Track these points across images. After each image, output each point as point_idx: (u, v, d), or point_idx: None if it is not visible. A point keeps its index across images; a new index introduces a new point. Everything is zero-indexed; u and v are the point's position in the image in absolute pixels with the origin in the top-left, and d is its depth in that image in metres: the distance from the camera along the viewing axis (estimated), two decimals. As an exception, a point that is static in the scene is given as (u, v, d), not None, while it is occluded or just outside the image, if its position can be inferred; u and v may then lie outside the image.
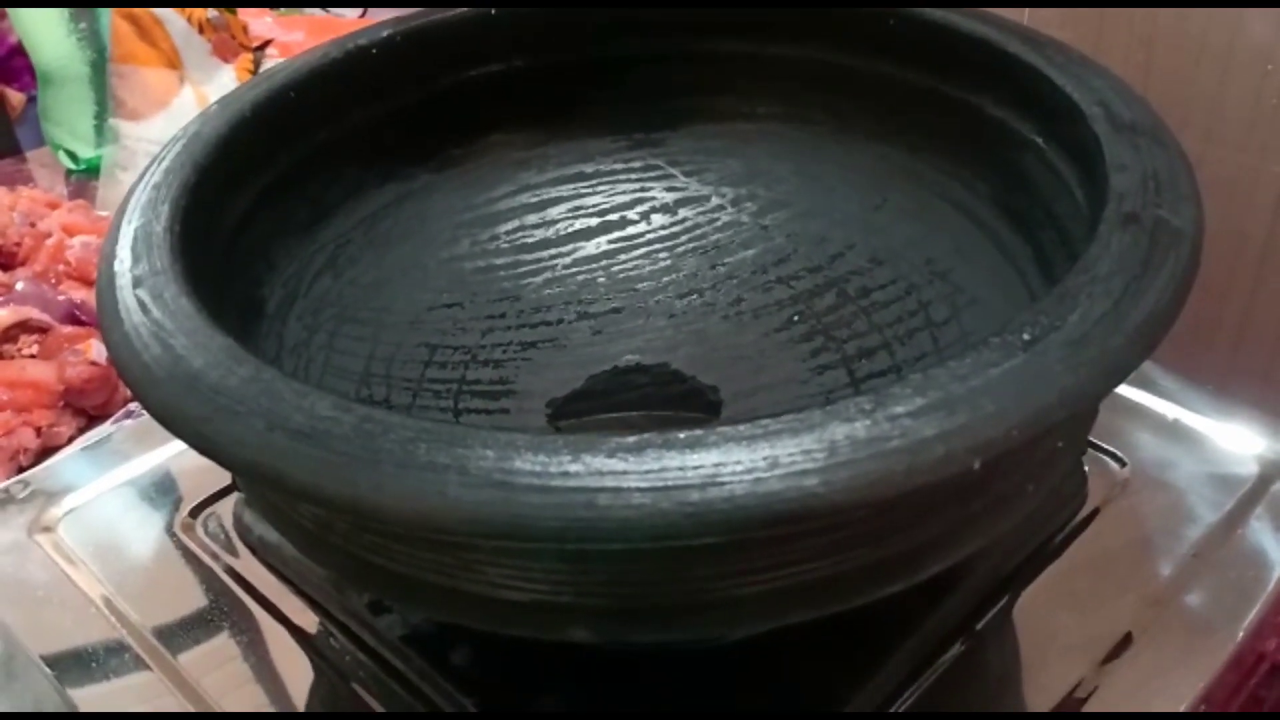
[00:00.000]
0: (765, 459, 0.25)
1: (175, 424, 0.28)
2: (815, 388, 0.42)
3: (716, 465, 0.25)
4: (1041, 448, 0.30)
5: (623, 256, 0.48)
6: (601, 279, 0.47)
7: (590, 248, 0.48)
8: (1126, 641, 0.37)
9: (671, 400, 0.43)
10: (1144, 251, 0.30)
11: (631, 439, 0.25)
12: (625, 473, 0.24)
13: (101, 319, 0.31)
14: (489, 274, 0.47)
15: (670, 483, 0.24)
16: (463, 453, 0.25)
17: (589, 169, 0.50)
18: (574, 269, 0.48)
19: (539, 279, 0.47)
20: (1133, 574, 0.40)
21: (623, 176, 0.50)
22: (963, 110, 0.42)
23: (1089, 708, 0.36)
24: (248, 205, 0.40)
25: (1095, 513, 0.42)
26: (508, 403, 0.42)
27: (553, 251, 0.48)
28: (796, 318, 0.45)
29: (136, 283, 0.31)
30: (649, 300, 0.47)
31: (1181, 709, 0.35)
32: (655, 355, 0.45)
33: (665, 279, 0.47)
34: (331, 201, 0.44)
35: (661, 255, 0.48)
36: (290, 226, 0.42)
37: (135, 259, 0.32)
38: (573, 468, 0.25)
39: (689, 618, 0.29)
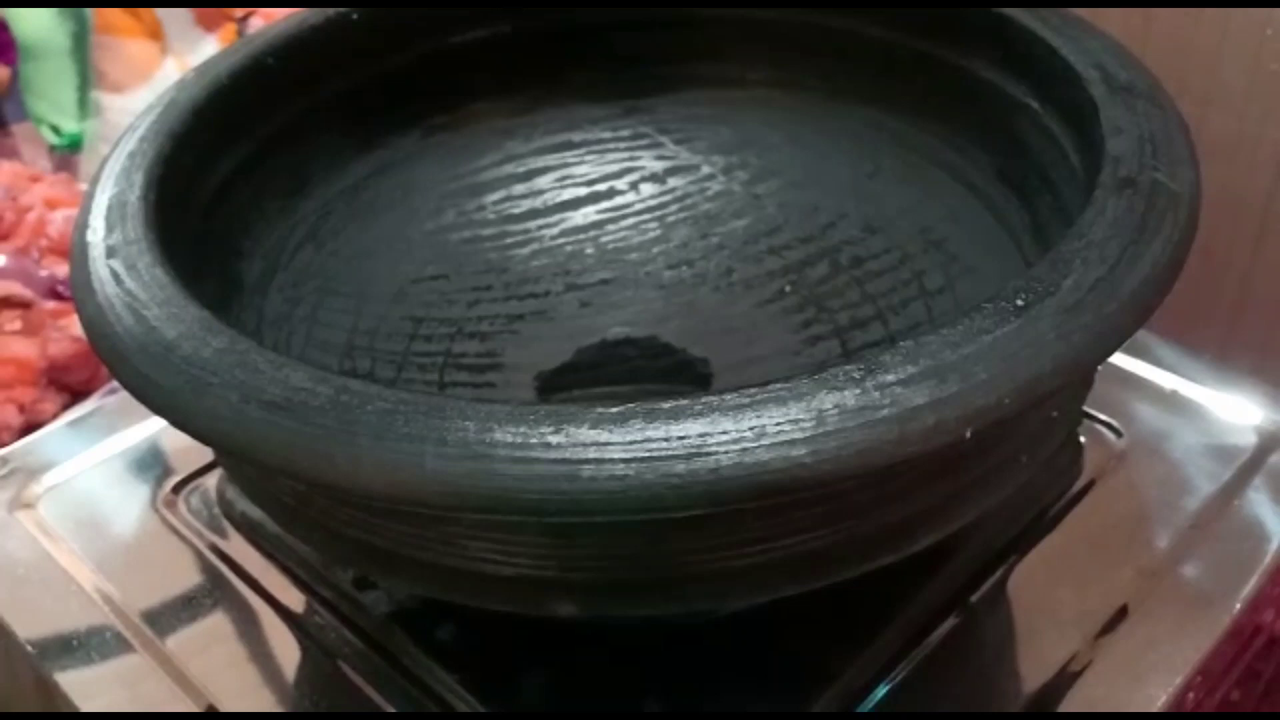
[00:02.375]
0: (752, 429, 0.24)
1: (148, 397, 0.27)
2: (807, 359, 0.41)
3: (702, 436, 0.24)
4: (1035, 416, 0.30)
5: (611, 227, 0.47)
6: (590, 250, 0.47)
7: (578, 218, 0.48)
8: (1122, 614, 0.37)
9: (661, 373, 0.42)
10: (1140, 215, 0.29)
11: (615, 409, 0.24)
12: (608, 444, 0.24)
13: (75, 290, 0.30)
14: (475, 245, 0.46)
15: (654, 454, 0.24)
16: (441, 424, 0.24)
17: (577, 137, 0.49)
18: (562, 240, 0.47)
19: (526, 250, 0.46)
20: (1129, 546, 0.39)
21: (611, 145, 0.49)
22: (956, 74, 0.42)
23: (1084, 681, 0.35)
24: (226, 175, 0.39)
25: (1091, 484, 0.42)
26: (494, 376, 0.42)
27: (540, 222, 0.47)
28: (788, 288, 0.44)
29: (110, 253, 0.31)
30: (638, 271, 0.46)
31: (1178, 681, 0.34)
32: (645, 327, 0.44)
33: (655, 250, 0.46)
34: (312, 171, 0.43)
35: (651, 225, 0.47)
36: (270, 197, 0.41)
37: (109, 228, 0.32)
38: (554, 439, 0.24)
39: (676, 592, 0.28)
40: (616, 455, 0.24)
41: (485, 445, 0.24)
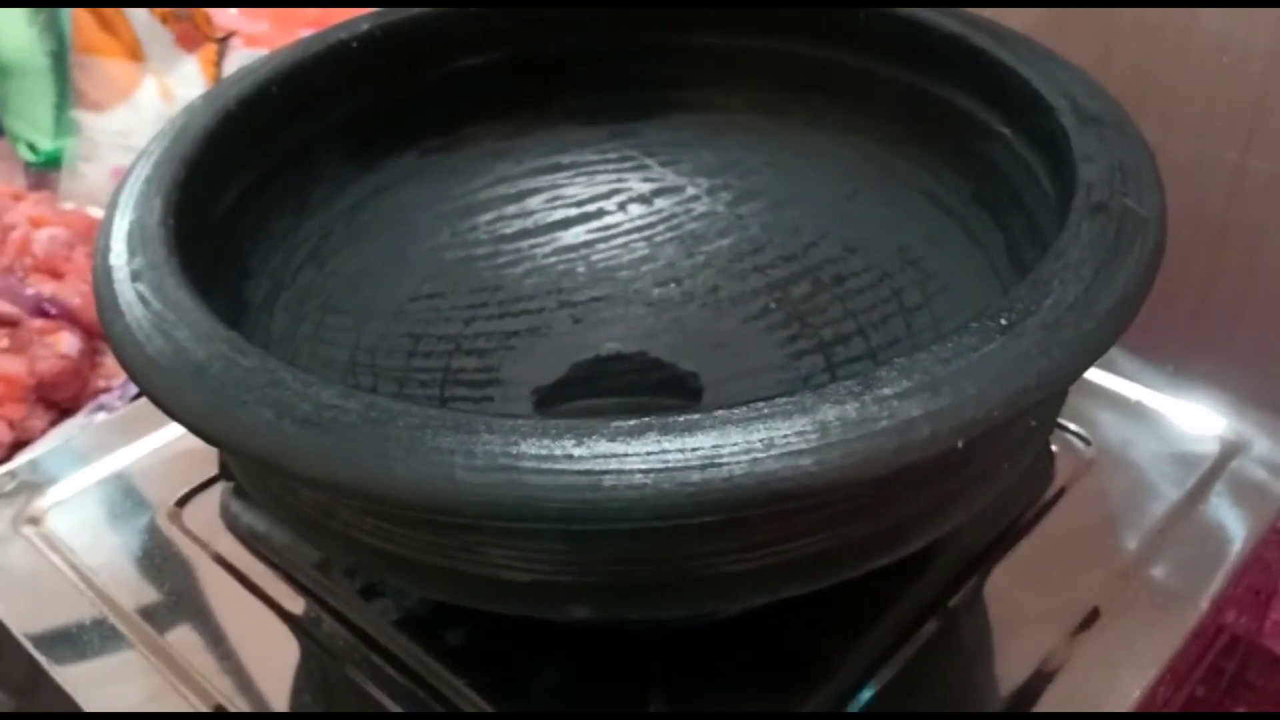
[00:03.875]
0: (761, 440, 0.26)
1: (183, 415, 0.28)
2: (793, 373, 0.43)
3: (715, 447, 0.26)
4: (1018, 427, 0.32)
5: (601, 246, 0.49)
6: (581, 268, 0.48)
7: (569, 237, 0.49)
8: (1094, 615, 0.39)
9: (653, 387, 0.44)
10: (1112, 238, 0.31)
11: (631, 422, 0.26)
12: (627, 455, 0.25)
13: (101, 313, 0.31)
14: (470, 264, 0.47)
15: (671, 464, 0.25)
16: (468, 438, 0.26)
17: (566, 160, 0.50)
18: (553, 258, 0.48)
19: (519, 269, 0.48)
20: (1099, 550, 0.41)
21: (599, 167, 0.51)
22: (933, 103, 0.44)
23: (1060, 679, 0.37)
24: (234, 199, 0.40)
25: (1062, 491, 0.44)
26: (493, 391, 0.43)
27: (532, 241, 0.49)
28: (773, 305, 0.46)
29: (135, 276, 0.32)
30: (628, 289, 0.47)
31: (1150, 677, 0.36)
32: (635, 343, 0.46)
33: (644, 268, 0.48)
34: (314, 193, 0.44)
35: (639, 245, 0.49)
36: (275, 218, 0.43)
37: (131, 253, 0.33)
38: (576, 451, 0.26)
39: (687, 594, 0.30)
40: (635, 466, 0.25)
41: (511, 457, 0.26)
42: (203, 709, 0.37)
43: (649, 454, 0.26)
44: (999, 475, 0.32)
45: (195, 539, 0.43)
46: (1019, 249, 0.40)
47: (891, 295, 0.44)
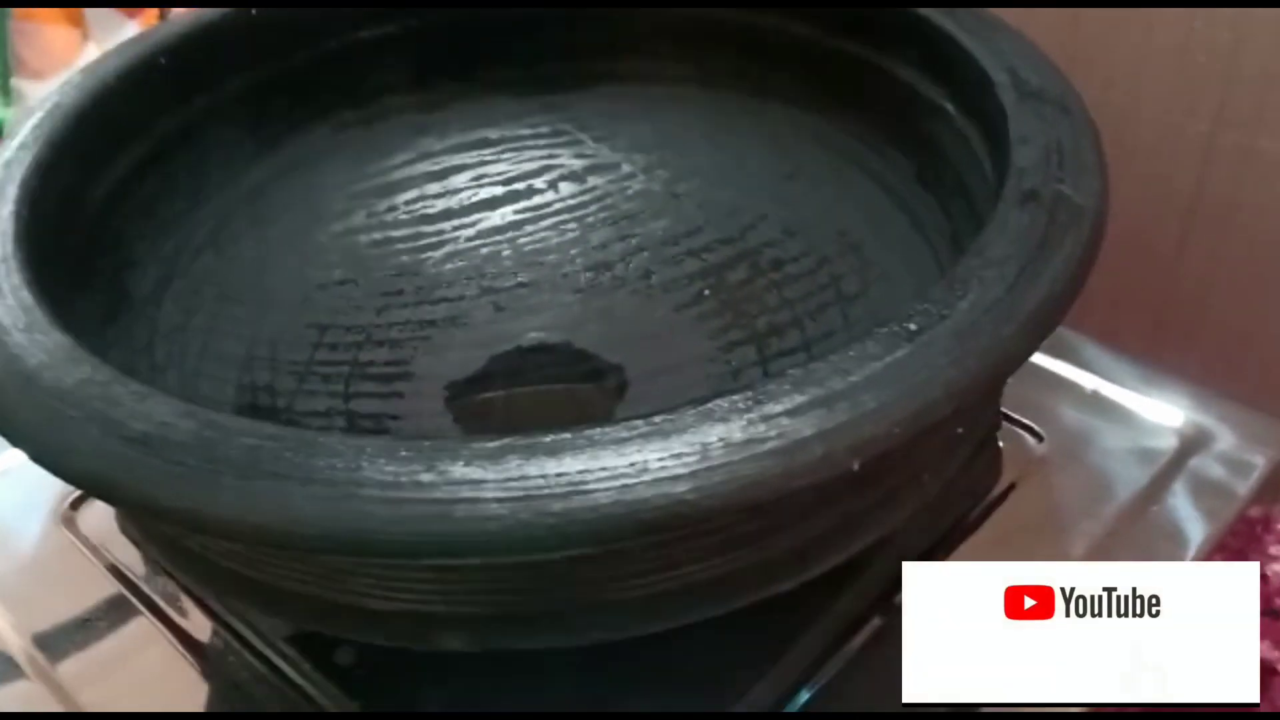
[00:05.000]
0: (633, 464, 0.23)
1: (6, 430, 0.26)
2: (723, 366, 0.40)
3: (582, 472, 0.23)
4: (933, 439, 0.29)
5: (529, 228, 0.46)
6: (507, 252, 0.45)
7: (495, 218, 0.46)
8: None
9: (575, 380, 0.41)
10: (1041, 231, 0.28)
11: (491, 444, 0.23)
12: (483, 482, 0.23)
13: (-66, 314, 0.29)
14: (386, 247, 0.45)
15: (531, 492, 0.23)
16: (308, 461, 0.23)
17: (494, 134, 0.48)
18: (478, 241, 0.46)
19: (440, 253, 0.45)
20: (1048, 550, 0.39)
21: (529, 142, 0.48)
22: (875, 75, 0.41)
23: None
24: (117, 181, 0.38)
25: (1011, 488, 0.41)
26: (403, 386, 0.40)
27: (455, 223, 0.46)
28: (707, 292, 0.43)
29: (-27, 273, 0.29)
30: (556, 274, 0.45)
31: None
32: (560, 333, 0.43)
33: (573, 251, 0.45)
34: (212, 174, 0.41)
35: (570, 226, 0.46)
36: (167, 202, 0.40)
37: (-26, 246, 0.30)
38: (426, 477, 0.23)
39: (569, 624, 0.28)
40: (491, 494, 0.23)
41: (353, 485, 0.23)
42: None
43: (508, 480, 0.23)
44: (918, 488, 0.30)
45: (89, 545, 0.40)
46: (961, 236, 0.37)
47: (830, 282, 0.41)
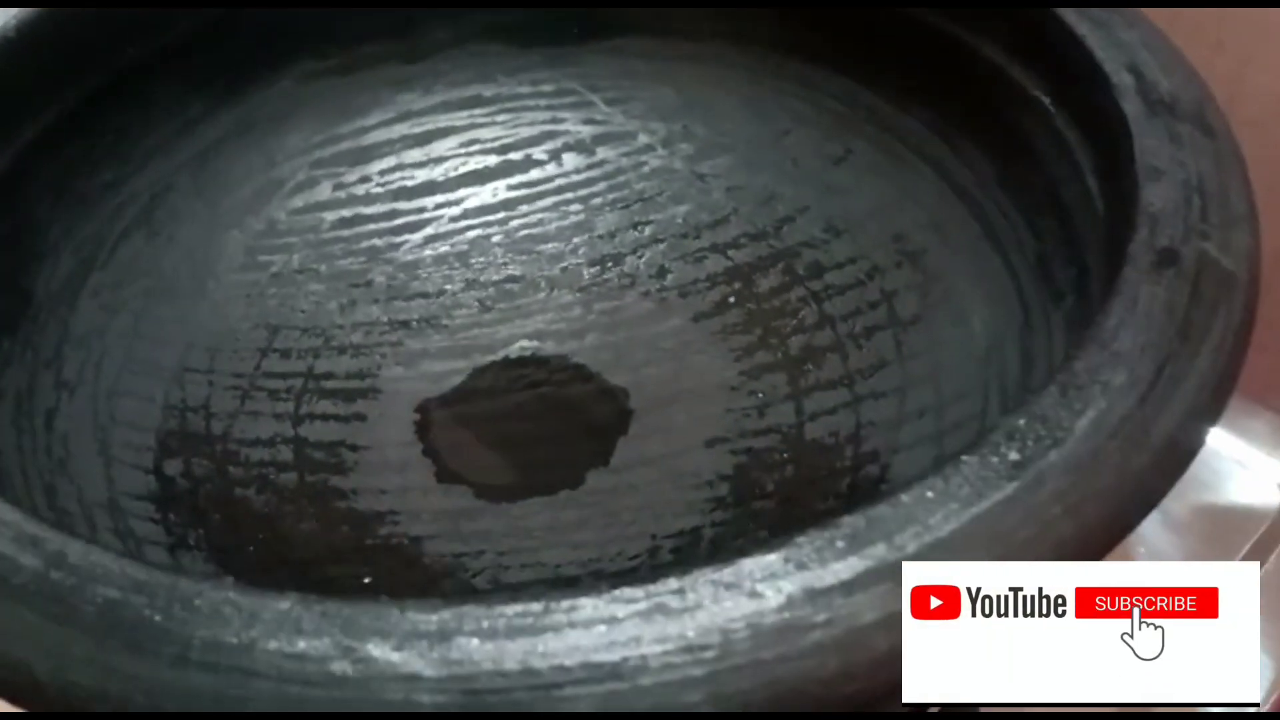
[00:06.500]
0: (626, 659, 0.17)
1: None
2: (747, 398, 0.34)
3: (555, 670, 0.17)
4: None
5: (525, 208, 0.39)
6: (497, 237, 0.39)
7: (485, 194, 0.39)
8: None
9: (570, 407, 0.35)
10: (1183, 312, 0.21)
11: (434, 616, 0.17)
12: (417, 679, 0.17)
13: None
14: (355, 227, 0.38)
15: (480, 688, 0.17)
16: (184, 627, 0.17)
17: (488, 92, 0.40)
18: (464, 222, 0.39)
19: (418, 235, 0.38)
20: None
21: (530, 103, 0.40)
22: (953, 49, 0.33)
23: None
24: (19, 152, 0.31)
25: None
26: (366, 406, 0.34)
27: (439, 199, 0.39)
28: (733, 299, 0.36)
29: None
30: (554, 267, 0.38)
31: None
32: (557, 342, 0.36)
33: (576, 239, 0.38)
34: (144, 138, 0.34)
35: (573, 208, 0.39)
36: (86, 175, 0.33)
37: None
38: (339, 666, 0.17)
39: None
40: (426, 698, 0.16)
41: (242, 672, 0.17)
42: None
43: (451, 678, 0.17)
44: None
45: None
46: (1049, 261, 0.30)
47: (881, 299, 0.34)
